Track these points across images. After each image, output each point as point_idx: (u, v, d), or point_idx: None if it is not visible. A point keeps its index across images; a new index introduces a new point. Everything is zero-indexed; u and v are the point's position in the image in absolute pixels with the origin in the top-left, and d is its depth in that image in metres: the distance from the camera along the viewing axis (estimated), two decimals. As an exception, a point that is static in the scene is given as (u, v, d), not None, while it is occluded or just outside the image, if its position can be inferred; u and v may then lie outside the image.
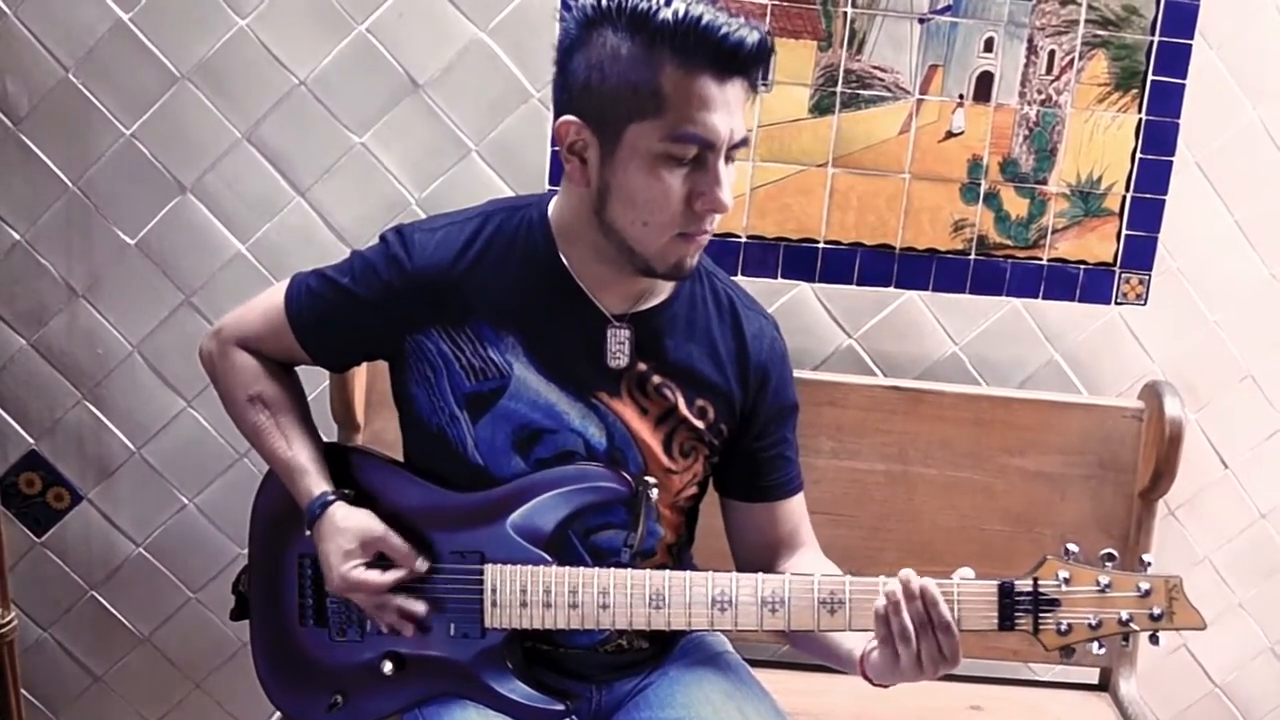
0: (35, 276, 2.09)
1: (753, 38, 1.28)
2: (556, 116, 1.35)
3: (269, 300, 1.53)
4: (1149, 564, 1.34)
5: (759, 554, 1.57)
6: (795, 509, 1.58)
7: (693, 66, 1.27)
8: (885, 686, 1.40)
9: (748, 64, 1.30)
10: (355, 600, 1.47)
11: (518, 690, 1.46)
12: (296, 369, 1.59)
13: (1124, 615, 1.32)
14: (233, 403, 1.56)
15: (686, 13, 1.25)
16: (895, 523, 2.04)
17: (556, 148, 1.36)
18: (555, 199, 1.45)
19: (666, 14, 1.26)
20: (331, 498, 1.46)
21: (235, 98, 2.02)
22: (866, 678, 1.41)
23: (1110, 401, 2.10)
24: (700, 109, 1.28)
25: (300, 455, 1.50)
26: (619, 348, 1.44)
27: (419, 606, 1.45)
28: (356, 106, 2.03)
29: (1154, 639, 1.34)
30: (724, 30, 1.26)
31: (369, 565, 1.44)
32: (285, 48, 2.01)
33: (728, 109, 1.29)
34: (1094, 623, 1.32)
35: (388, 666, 1.48)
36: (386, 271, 1.44)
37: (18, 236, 2.07)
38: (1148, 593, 1.32)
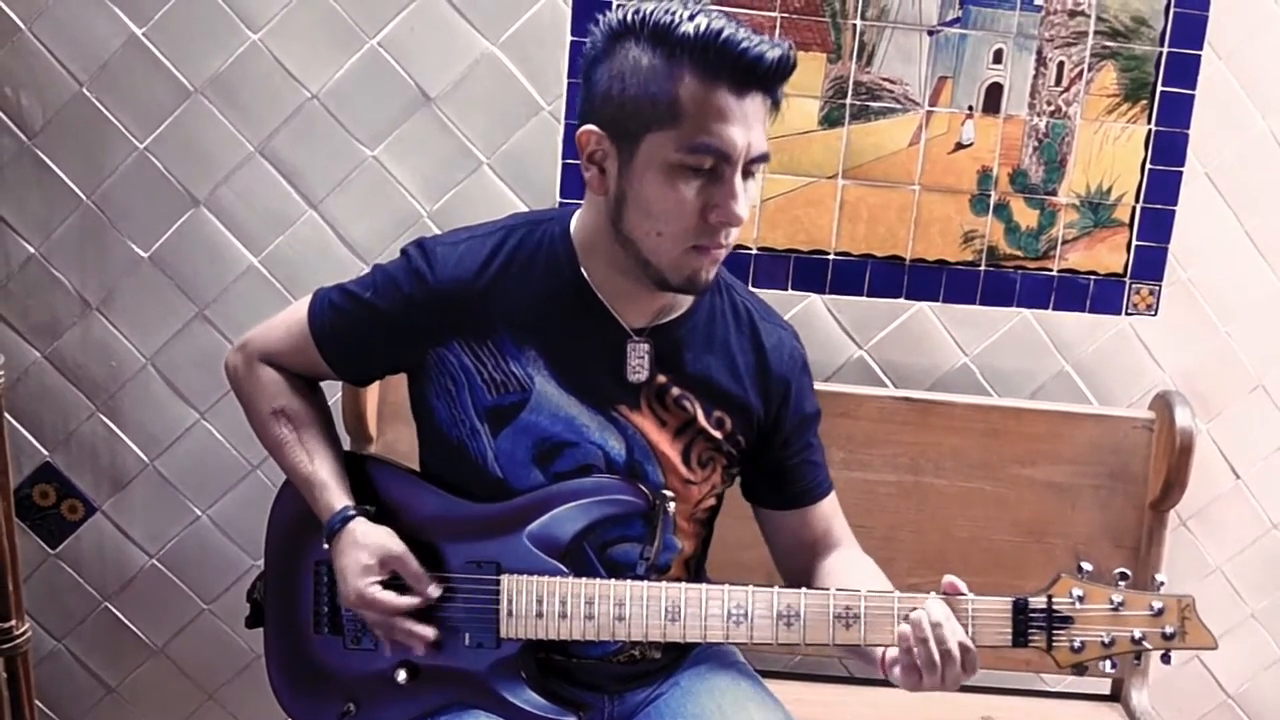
0: (49, 290, 2.10)
1: (773, 53, 1.28)
2: (578, 126, 1.36)
3: (292, 315, 1.54)
4: (1162, 583, 1.35)
5: (797, 556, 1.58)
6: (826, 511, 1.59)
7: (711, 79, 1.27)
8: None
9: (767, 79, 1.30)
10: (365, 616, 1.47)
11: (531, 701, 1.46)
12: (321, 383, 1.60)
13: (1137, 634, 1.33)
14: (256, 416, 1.56)
15: (708, 27, 1.27)
16: (907, 533, 2.04)
17: (576, 160, 1.37)
18: (578, 213, 1.46)
19: (688, 28, 1.27)
20: (352, 512, 1.47)
21: (248, 111, 2.03)
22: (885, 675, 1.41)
23: (1121, 412, 2.10)
24: (717, 120, 1.28)
25: (321, 470, 1.50)
26: (639, 362, 1.44)
27: (428, 631, 1.45)
28: (368, 120, 2.05)
29: (1165, 658, 1.34)
30: (744, 45, 1.27)
31: (385, 584, 1.44)
32: (297, 62, 2.02)
33: (745, 123, 1.29)
34: (1107, 641, 1.33)
35: (402, 675, 1.48)
36: (408, 285, 1.44)
37: (32, 250, 2.08)
38: (1160, 612, 1.32)
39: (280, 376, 1.55)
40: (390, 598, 1.43)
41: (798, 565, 1.57)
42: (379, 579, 1.44)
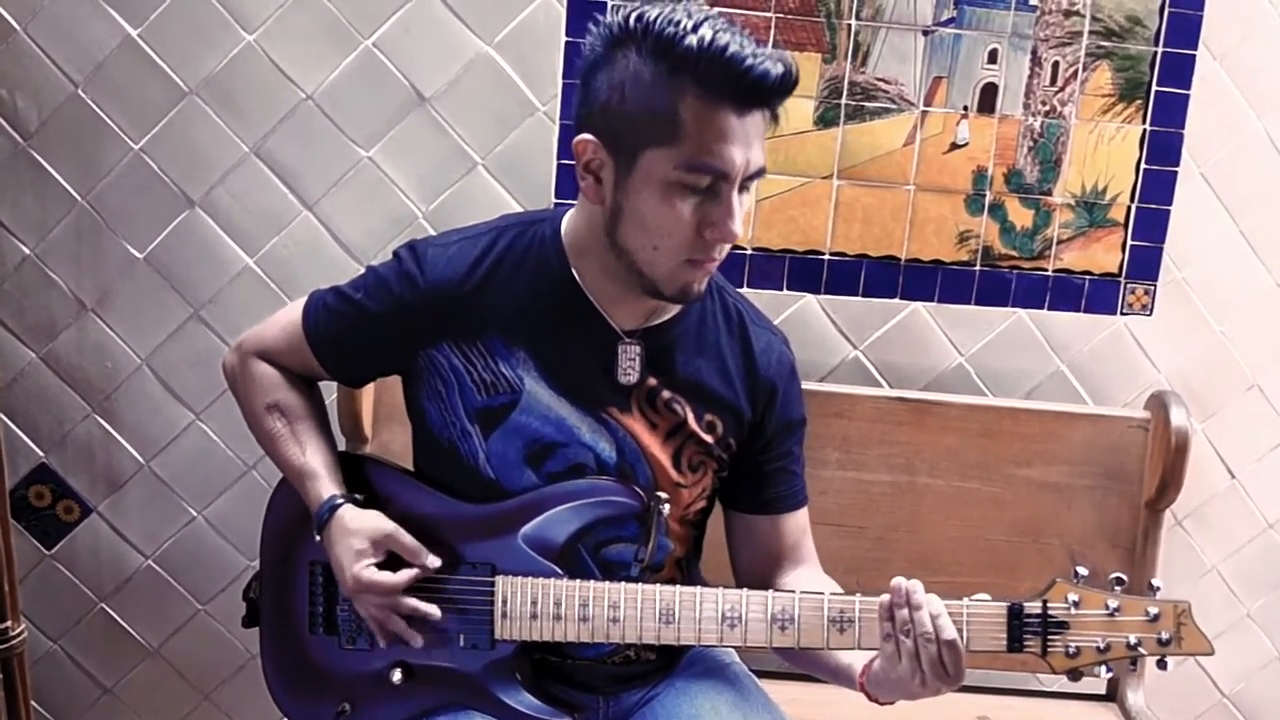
0: (45, 290, 2.10)
1: (777, 70, 1.26)
2: (576, 132, 1.34)
3: (287, 316, 1.54)
4: (1158, 588, 1.35)
5: (760, 566, 1.57)
6: (798, 523, 1.58)
7: (714, 97, 1.25)
8: (886, 704, 1.40)
9: (770, 96, 1.28)
10: (367, 604, 1.46)
11: (526, 702, 1.46)
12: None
13: (1132, 639, 1.32)
14: (251, 412, 1.57)
15: (712, 41, 1.23)
16: (902, 533, 2.04)
17: (571, 162, 1.36)
18: (569, 214, 1.45)
19: (691, 41, 1.23)
20: (340, 500, 1.47)
21: (243, 112, 2.03)
22: (866, 693, 1.41)
23: (1116, 412, 2.10)
24: (718, 140, 1.26)
25: (313, 461, 1.50)
26: (629, 364, 1.44)
27: (432, 609, 1.44)
28: (363, 121, 2.04)
29: (1161, 664, 1.34)
30: (748, 62, 1.24)
31: (381, 566, 1.44)
32: (292, 63, 2.02)
33: (746, 140, 1.28)
34: (1102, 646, 1.32)
35: (397, 675, 1.49)
36: (400, 287, 1.44)
37: (27, 251, 2.08)
38: (1156, 617, 1.32)
39: (275, 372, 1.55)
40: (388, 576, 1.43)
41: (759, 575, 1.55)
42: (374, 561, 1.44)
